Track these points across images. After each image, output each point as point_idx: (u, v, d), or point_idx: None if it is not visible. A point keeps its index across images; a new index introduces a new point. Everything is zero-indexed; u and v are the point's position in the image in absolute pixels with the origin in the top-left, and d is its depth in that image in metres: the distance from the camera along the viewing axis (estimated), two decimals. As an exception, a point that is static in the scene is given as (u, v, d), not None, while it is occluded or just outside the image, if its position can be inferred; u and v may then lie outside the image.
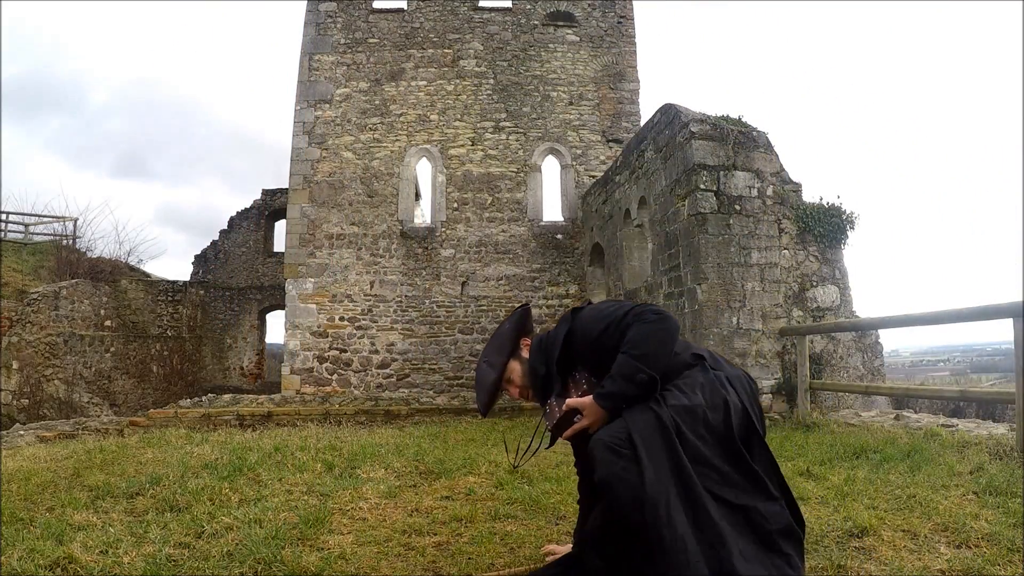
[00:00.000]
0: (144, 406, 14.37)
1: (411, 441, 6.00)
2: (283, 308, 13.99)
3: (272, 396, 11.93)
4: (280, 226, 19.44)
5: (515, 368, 2.36)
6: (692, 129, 7.57)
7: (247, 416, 8.60)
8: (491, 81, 14.01)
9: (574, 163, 13.87)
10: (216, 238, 20.40)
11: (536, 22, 14.31)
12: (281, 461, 4.78)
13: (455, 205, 13.65)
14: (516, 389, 2.37)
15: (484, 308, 13.33)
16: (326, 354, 13.12)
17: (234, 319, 19.26)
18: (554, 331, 2.30)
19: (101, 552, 2.83)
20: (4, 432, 8.36)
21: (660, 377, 2.05)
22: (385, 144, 13.75)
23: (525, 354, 2.37)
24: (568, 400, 2.15)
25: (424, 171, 14.39)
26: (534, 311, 13.25)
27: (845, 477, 3.80)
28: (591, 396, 2.10)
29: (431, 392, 12.33)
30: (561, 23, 14.32)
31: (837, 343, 7.61)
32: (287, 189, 14.13)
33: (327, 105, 13.83)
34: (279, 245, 19.62)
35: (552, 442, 2.34)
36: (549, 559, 2.52)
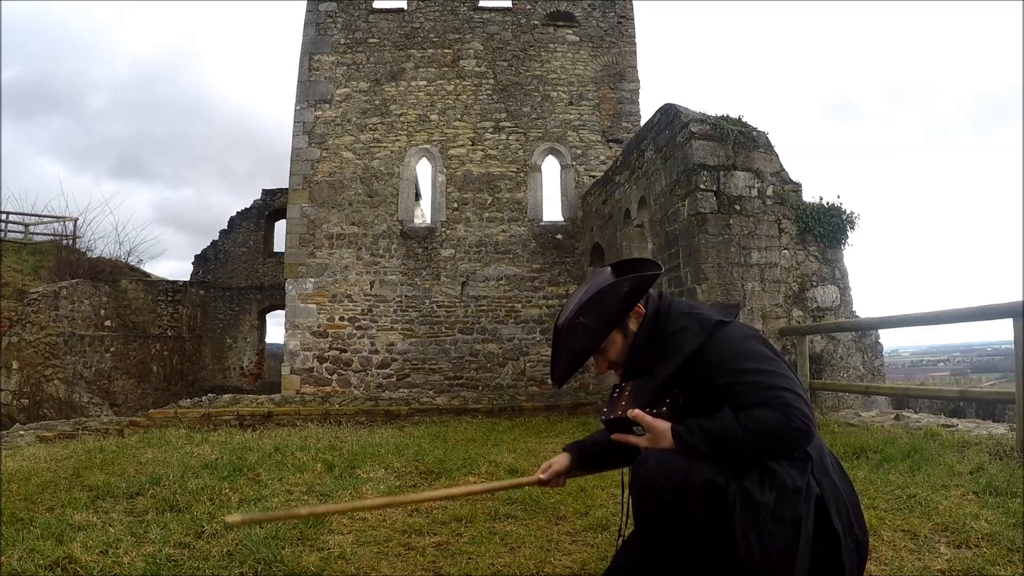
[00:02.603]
0: (144, 406, 14.37)
1: (411, 441, 6.00)
2: (283, 308, 13.99)
3: (272, 396, 11.93)
4: (280, 226, 19.44)
5: (616, 341, 1.96)
6: (692, 129, 7.57)
7: (247, 416, 8.59)
8: (491, 81, 14.01)
9: (574, 163, 13.87)
10: (216, 238, 20.40)
11: (536, 22, 14.31)
12: (281, 461, 4.78)
13: (455, 205, 13.66)
14: (606, 363, 2.00)
15: (484, 308, 13.33)
16: (326, 354, 13.12)
17: (234, 319, 19.26)
18: (677, 325, 1.89)
19: (101, 552, 2.83)
20: (4, 432, 8.36)
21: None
22: (385, 144, 13.75)
23: (633, 326, 1.96)
24: (636, 412, 1.83)
25: (424, 171, 14.40)
26: (533, 311, 13.27)
27: (845, 477, 3.80)
28: (668, 425, 1.80)
29: (431, 392, 12.33)
30: (561, 23, 14.32)
31: (837, 343, 7.61)
32: (287, 189, 14.13)
33: (327, 105, 13.83)
34: (279, 245, 19.62)
35: (605, 425, 1.97)
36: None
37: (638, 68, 14.31)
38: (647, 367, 1.92)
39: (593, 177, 13.39)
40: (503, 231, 13.53)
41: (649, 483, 1.74)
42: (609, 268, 2.03)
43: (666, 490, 1.72)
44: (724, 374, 1.79)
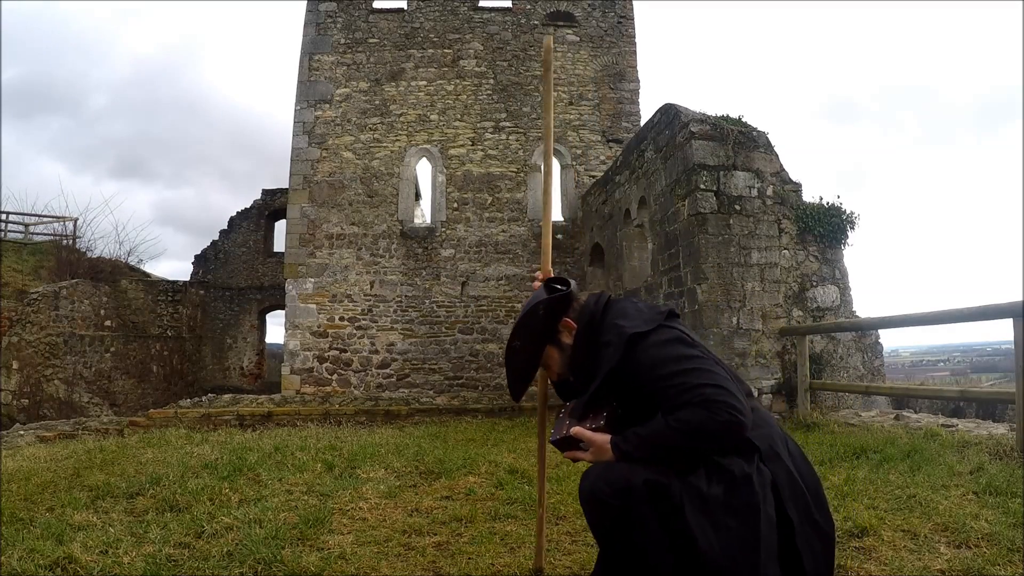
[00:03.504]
0: (144, 406, 14.37)
1: (411, 441, 6.00)
2: (283, 308, 13.99)
3: (272, 396, 11.93)
4: (280, 226, 19.44)
5: (553, 355, 2.10)
6: (692, 129, 7.57)
7: (247, 416, 8.59)
8: (491, 81, 14.01)
9: (574, 163, 13.87)
10: (216, 238, 20.39)
11: (536, 22, 14.31)
12: (281, 461, 4.78)
13: (455, 205, 13.65)
14: (555, 374, 2.15)
15: (484, 308, 13.33)
16: (326, 354, 13.12)
17: (234, 319, 19.26)
18: (604, 338, 1.96)
19: (101, 552, 2.83)
20: (4, 432, 8.36)
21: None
22: (385, 144, 13.75)
23: (567, 340, 2.07)
24: (576, 429, 1.92)
25: (424, 171, 14.40)
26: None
27: (845, 477, 3.80)
28: (607, 438, 1.86)
29: (431, 392, 12.33)
30: (561, 23, 14.32)
31: (837, 343, 7.61)
32: (287, 189, 14.12)
33: (327, 105, 13.82)
34: (279, 245, 19.62)
35: (554, 446, 2.05)
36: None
37: (638, 68, 14.32)
38: (588, 375, 2.00)
39: (593, 177, 13.40)
40: (503, 231, 13.53)
41: (592, 493, 1.80)
42: (542, 287, 2.14)
43: (609, 496, 1.76)
44: (648, 382, 1.84)
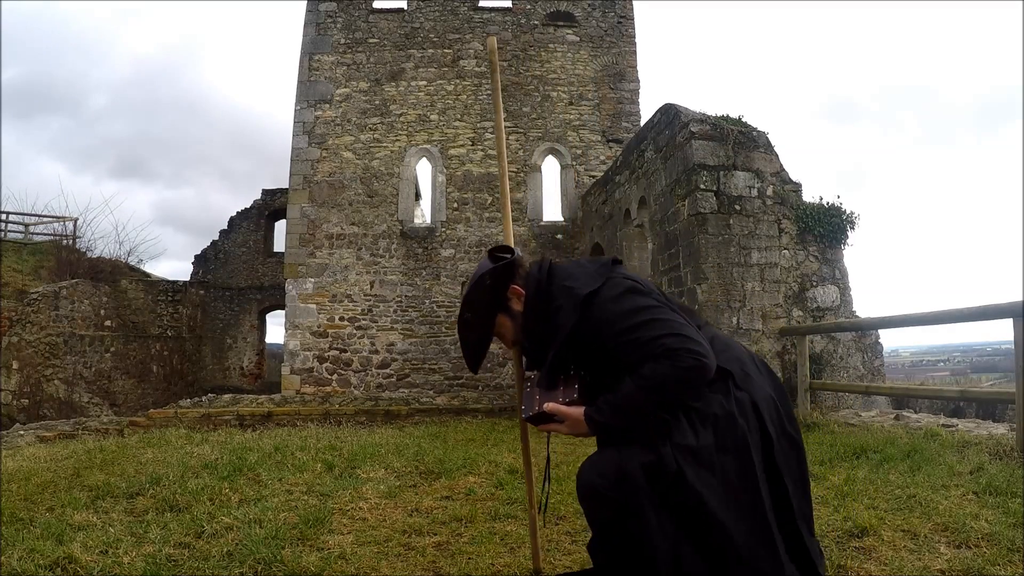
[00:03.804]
0: (144, 406, 14.37)
1: (411, 441, 6.00)
2: (283, 308, 13.99)
3: (272, 396, 11.93)
4: (280, 226, 19.44)
5: (505, 323, 2.06)
6: (692, 129, 7.57)
7: (247, 416, 8.60)
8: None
9: (574, 163, 13.87)
10: (216, 238, 20.39)
11: (536, 22, 14.31)
12: (281, 461, 4.78)
13: (455, 205, 13.65)
14: (509, 342, 2.13)
15: (484, 308, 13.33)
16: (326, 354, 13.12)
17: (234, 319, 19.25)
18: (556, 303, 1.93)
19: (101, 552, 2.83)
20: (4, 432, 8.37)
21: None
22: (385, 144, 13.75)
23: (517, 306, 2.03)
24: (550, 405, 1.89)
25: (424, 171, 14.40)
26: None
27: (845, 477, 3.80)
28: (581, 411, 1.83)
29: (431, 392, 12.33)
30: (561, 23, 14.32)
31: (837, 343, 7.61)
32: (287, 189, 14.13)
33: (327, 105, 13.83)
34: (279, 245, 19.62)
35: (528, 422, 2.03)
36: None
37: (638, 68, 14.31)
38: (544, 341, 1.96)
39: (593, 177, 13.39)
40: (503, 231, 13.52)
41: (589, 488, 1.77)
42: (487, 256, 2.11)
43: (607, 489, 1.74)
44: (608, 339, 1.81)
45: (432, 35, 14.14)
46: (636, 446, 1.76)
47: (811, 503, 1.94)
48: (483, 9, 14.32)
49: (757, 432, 1.80)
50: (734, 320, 7.27)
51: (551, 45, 14.23)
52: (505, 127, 14.19)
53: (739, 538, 1.70)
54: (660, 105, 8.80)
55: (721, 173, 7.48)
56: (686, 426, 1.75)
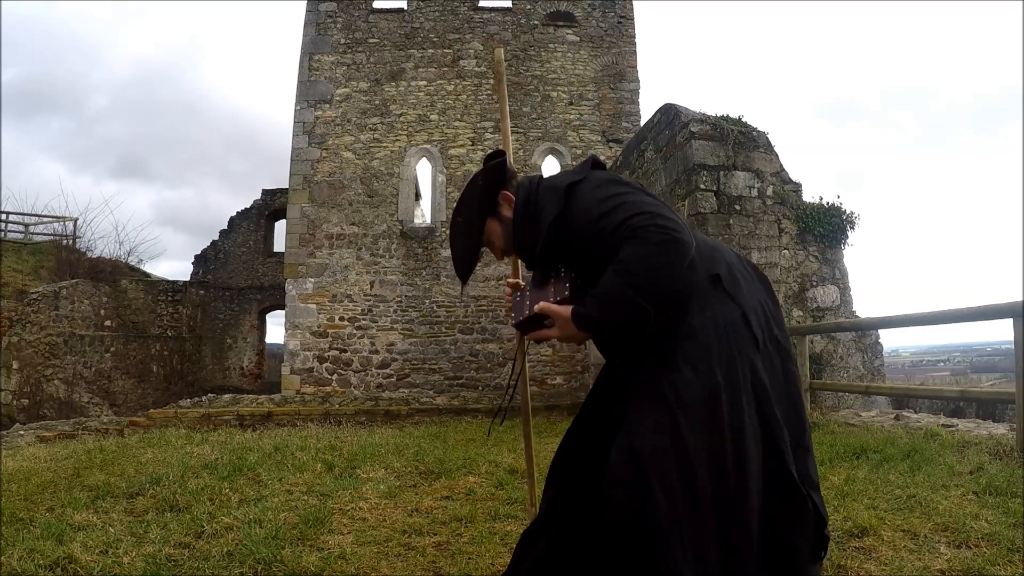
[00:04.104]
0: (144, 406, 14.37)
1: (411, 441, 6.00)
2: (283, 308, 13.99)
3: (272, 396, 11.93)
4: (280, 226, 19.44)
5: (495, 229, 2.02)
6: (692, 129, 7.57)
7: (247, 416, 8.60)
8: (491, 81, 14.00)
9: (574, 163, 13.85)
10: (216, 238, 20.38)
11: (536, 22, 14.31)
12: (281, 461, 4.78)
13: (455, 205, 13.66)
14: (499, 251, 2.06)
15: (484, 308, 13.32)
16: (326, 354, 13.12)
17: (234, 319, 19.25)
18: (541, 202, 1.88)
19: (101, 552, 2.83)
20: (4, 432, 8.37)
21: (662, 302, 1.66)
22: (385, 144, 13.75)
23: (506, 212, 1.99)
24: (541, 304, 1.80)
25: (424, 171, 14.40)
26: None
27: (845, 477, 3.80)
28: (569, 310, 1.73)
29: (431, 392, 12.32)
30: (561, 23, 14.32)
31: (837, 343, 7.61)
32: (287, 189, 14.13)
33: (327, 105, 13.82)
34: (279, 245, 19.61)
35: (518, 329, 1.96)
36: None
37: (638, 68, 14.31)
38: (533, 247, 1.91)
39: (593, 177, 13.38)
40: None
41: (618, 484, 1.62)
42: (483, 164, 2.09)
43: (627, 477, 1.60)
44: (587, 232, 1.75)
45: (432, 35, 14.14)
46: (644, 412, 1.65)
47: (805, 426, 1.80)
48: (483, 9, 14.32)
49: (751, 344, 1.72)
50: (734, 320, 7.26)
51: (551, 45, 14.23)
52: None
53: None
54: (660, 105, 8.80)
55: (721, 173, 7.48)
56: (687, 369, 1.65)
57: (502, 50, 2.50)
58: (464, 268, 2.07)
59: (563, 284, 1.84)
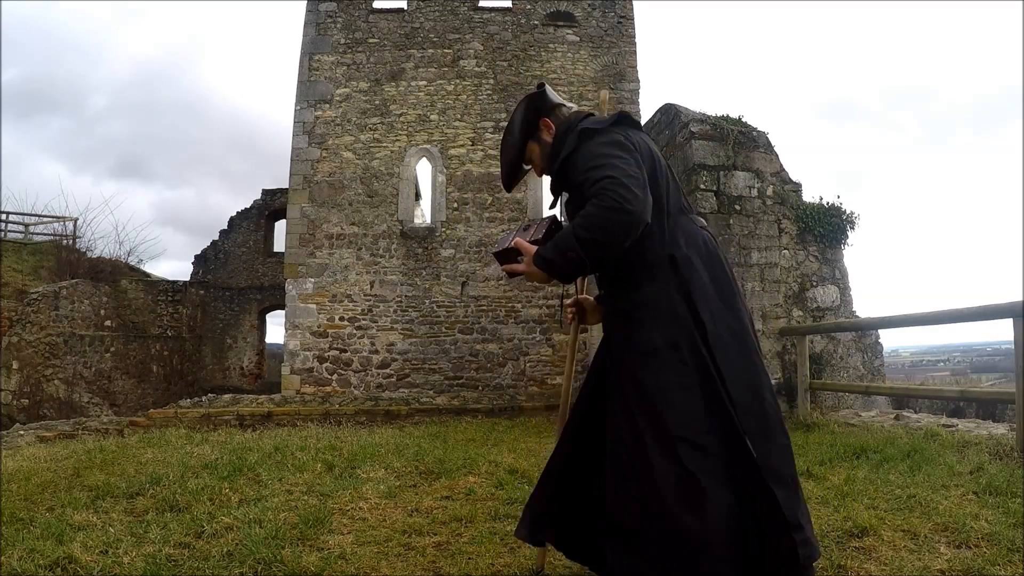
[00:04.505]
0: (144, 406, 14.37)
1: (411, 441, 6.00)
2: (283, 308, 13.98)
3: (272, 396, 11.92)
4: (280, 226, 19.44)
5: (534, 150, 2.29)
6: (692, 129, 7.57)
7: (247, 416, 8.59)
8: (491, 81, 14.01)
9: (574, 163, 13.87)
10: (216, 238, 20.38)
11: (536, 22, 14.30)
12: (281, 461, 4.78)
13: (455, 205, 13.65)
14: (538, 169, 2.33)
15: (484, 308, 13.32)
16: (326, 354, 13.12)
17: (234, 319, 19.25)
18: (563, 140, 2.13)
19: (101, 552, 2.83)
20: (4, 432, 8.37)
21: (626, 265, 1.96)
22: (385, 144, 13.75)
23: (546, 137, 2.24)
24: (515, 240, 2.06)
25: (424, 171, 14.39)
26: (533, 311, 13.27)
27: (845, 477, 3.80)
28: (535, 249, 1.96)
29: (431, 392, 12.32)
30: (561, 23, 14.31)
31: (837, 343, 7.61)
32: (287, 189, 14.12)
33: (327, 105, 13.82)
34: (279, 245, 19.62)
35: (495, 257, 2.21)
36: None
37: (638, 68, 14.29)
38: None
39: (593, 177, 13.37)
40: (503, 231, 13.52)
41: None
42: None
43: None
44: (577, 178, 1.95)
45: (432, 35, 14.14)
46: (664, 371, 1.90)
47: (768, 416, 1.93)
48: (483, 9, 14.31)
49: (691, 321, 1.90)
50: (734, 320, 7.27)
51: (551, 45, 14.23)
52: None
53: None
54: (660, 105, 8.80)
55: (721, 173, 7.48)
56: (646, 331, 1.92)
57: (607, 92, 2.76)
58: (505, 181, 2.42)
59: (541, 228, 2.08)
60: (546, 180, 2.21)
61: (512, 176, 2.39)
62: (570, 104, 2.31)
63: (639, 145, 2.01)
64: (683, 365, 1.87)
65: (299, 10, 16.23)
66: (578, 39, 14.27)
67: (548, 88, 2.29)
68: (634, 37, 14.45)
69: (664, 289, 1.93)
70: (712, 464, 1.80)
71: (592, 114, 2.20)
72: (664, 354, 1.88)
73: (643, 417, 1.85)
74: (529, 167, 2.36)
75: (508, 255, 2.09)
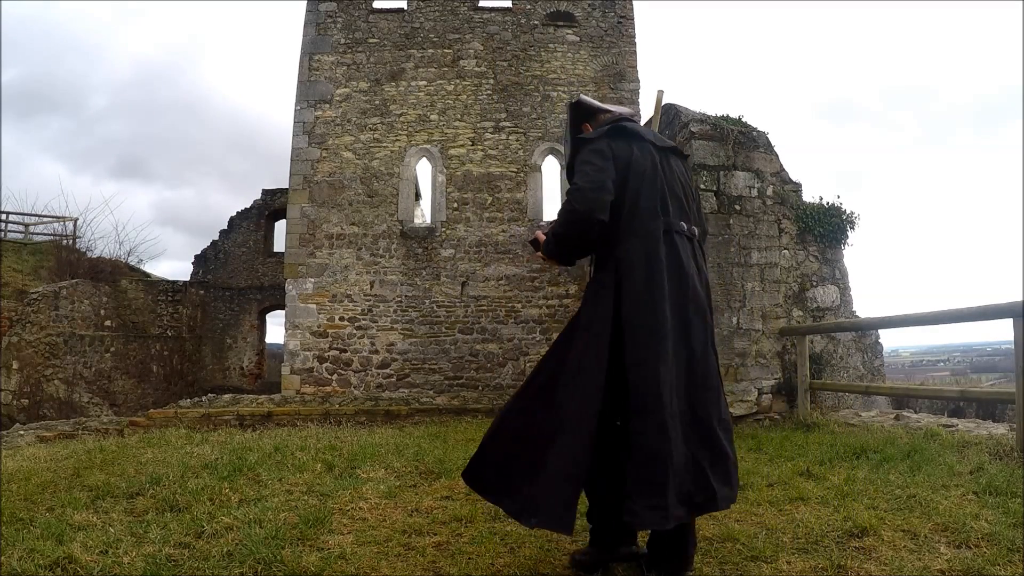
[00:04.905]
0: (144, 406, 14.37)
1: (411, 441, 6.00)
2: (283, 308, 13.98)
3: (272, 396, 11.92)
4: (280, 226, 19.44)
5: None
6: (692, 129, 7.57)
7: (247, 416, 8.59)
8: (491, 81, 14.00)
9: (574, 163, 13.86)
10: (216, 238, 20.38)
11: (536, 22, 14.30)
12: (281, 461, 4.78)
13: (455, 205, 13.65)
14: None
15: (484, 308, 13.32)
16: (326, 354, 13.11)
17: (234, 319, 19.25)
18: (571, 150, 2.62)
19: (101, 552, 2.83)
20: (4, 432, 8.37)
21: (597, 255, 2.43)
22: (385, 144, 13.75)
23: None
24: (536, 232, 2.60)
25: (424, 171, 14.39)
26: (533, 311, 13.28)
27: (845, 477, 3.81)
28: (544, 238, 2.51)
29: (431, 392, 12.32)
30: (561, 23, 14.31)
31: (837, 343, 7.61)
32: (287, 189, 14.11)
33: (327, 105, 13.82)
34: (279, 245, 19.62)
35: (531, 245, 2.72)
36: None
37: (638, 68, 14.29)
38: None
39: (593, 177, 13.36)
40: (503, 231, 13.53)
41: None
42: None
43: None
44: (568, 179, 2.46)
45: (432, 35, 14.13)
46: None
47: (711, 397, 2.41)
48: (483, 9, 14.31)
49: (609, 315, 2.30)
50: (734, 320, 7.27)
51: (551, 45, 14.22)
52: (505, 127, 14.32)
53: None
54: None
55: (721, 173, 7.48)
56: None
57: (663, 91, 3.11)
58: (568, 175, 2.67)
59: (555, 221, 2.50)
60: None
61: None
62: (615, 108, 2.68)
63: (618, 153, 2.40)
64: (588, 343, 2.30)
65: (299, 10, 16.24)
66: (578, 39, 14.27)
67: (585, 97, 2.77)
68: (634, 37, 14.44)
69: (608, 279, 2.35)
70: (560, 416, 2.26)
71: (630, 118, 2.57)
72: (581, 330, 2.37)
73: (543, 363, 2.49)
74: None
75: (535, 244, 2.62)
